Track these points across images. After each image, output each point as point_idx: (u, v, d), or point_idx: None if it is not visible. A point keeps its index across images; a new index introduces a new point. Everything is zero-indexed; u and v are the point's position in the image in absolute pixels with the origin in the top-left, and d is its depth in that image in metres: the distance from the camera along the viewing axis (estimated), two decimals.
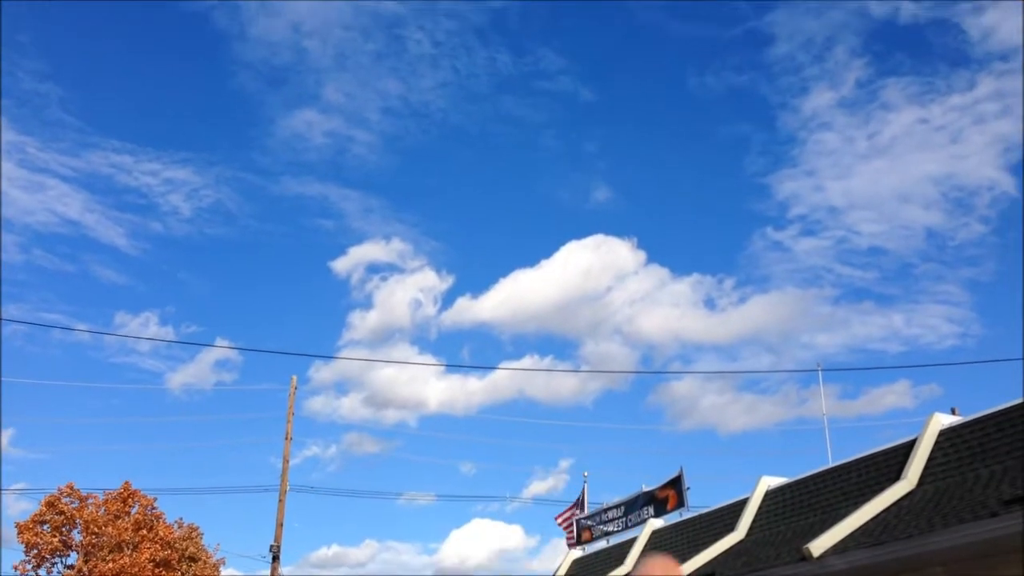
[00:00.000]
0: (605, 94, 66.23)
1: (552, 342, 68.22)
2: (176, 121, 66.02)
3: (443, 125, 66.36)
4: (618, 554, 22.30)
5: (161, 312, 61.93)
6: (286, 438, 31.23)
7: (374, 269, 61.85)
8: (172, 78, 65.02)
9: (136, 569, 30.23)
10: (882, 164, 57.32)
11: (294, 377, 32.16)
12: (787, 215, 59.54)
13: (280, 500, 29.65)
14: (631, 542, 22.31)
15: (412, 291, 60.52)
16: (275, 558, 28.53)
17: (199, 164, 64.22)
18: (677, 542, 20.06)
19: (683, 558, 17.79)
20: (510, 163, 67.63)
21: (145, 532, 31.97)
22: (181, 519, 34.07)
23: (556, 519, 30.12)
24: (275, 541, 28.79)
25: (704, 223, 64.94)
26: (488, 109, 66.92)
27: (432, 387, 60.25)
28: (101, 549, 31.31)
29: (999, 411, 13.14)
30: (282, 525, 29.35)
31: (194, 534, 33.83)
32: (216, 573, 34.30)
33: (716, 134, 64.29)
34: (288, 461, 30.81)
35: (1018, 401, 12.86)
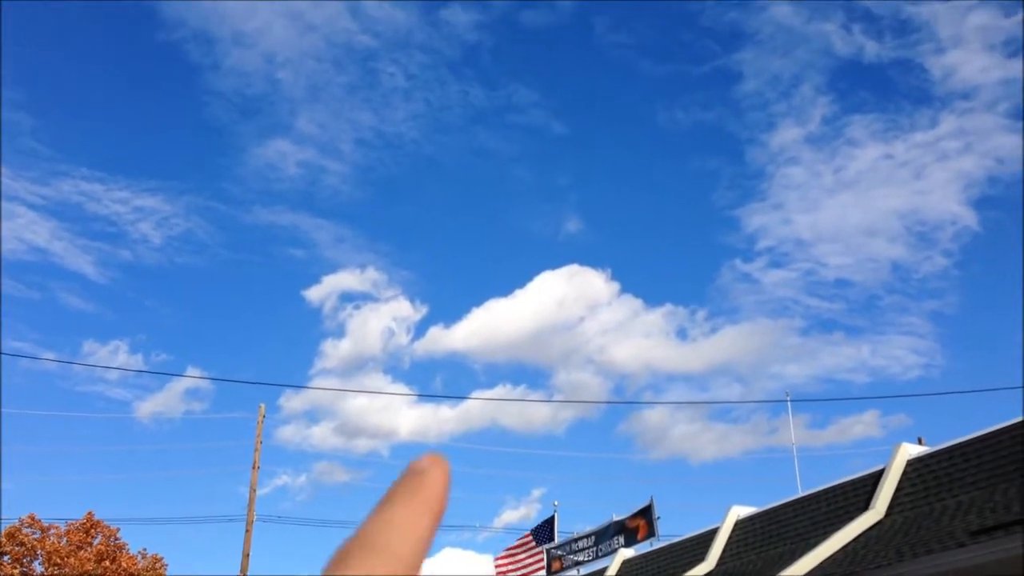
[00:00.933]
0: (577, 128, 67.30)
1: (525, 371, 68.37)
2: (147, 150, 66.04)
3: (416, 156, 67.03)
4: None
5: (131, 340, 61.28)
6: (253, 467, 30.88)
7: (347, 298, 61.88)
8: (144, 107, 65.14)
9: None
10: (848, 198, 58.68)
11: (262, 406, 31.89)
12: (755, 247, 60.56)
13: (247, 530, 29.27)
14: (602, 572, 22.24)
15: (385, 320, 60.48)
16: None
17: (170, 193, 64.22)
18: (647, 572, 20.03)
19: None
20: (483, 194, 68.33)
21: (108, 563, 31.39)
22: (145, 550, 33.53)
23: (496, 560, 29.20)
24: (241, 572, 28.37)
25: (675, 255, 65.85)
26: (461, 141, 67.65)
27: (404, 416, 60.03)
28: None
29: (965, 441, 13.31)
30: (248, 556, 28.96)
31: (158, 565, 33.26)
32: None
33: (686, 168, 65.55)
34: (255, 490, 30.46)
35: (984, 432, 13.04)
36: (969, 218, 55.73)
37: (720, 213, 62.11)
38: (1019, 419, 12.52)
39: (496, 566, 29.11)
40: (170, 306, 64.98)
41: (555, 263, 69.55)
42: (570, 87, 66.83)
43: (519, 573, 28.00)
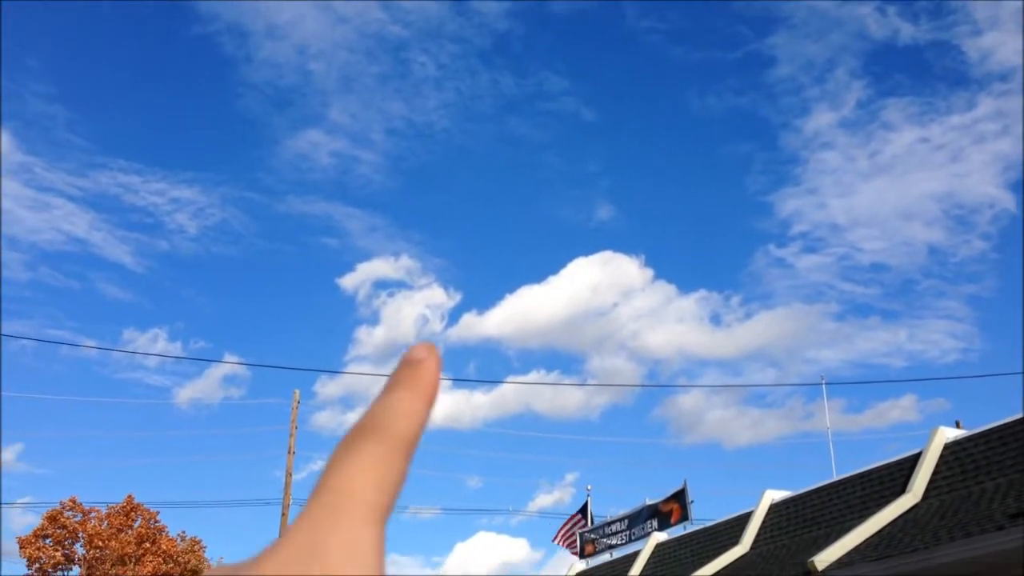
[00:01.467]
0: (607, 115, 66.94)
1: (558, 357, 68.38)
2: (183, 142, 66.74)
3: (447, 145, 67.08)
4: (622, 567, 22.27)
5: (170, 328, 62.17)
6: (289, 451, 31.24)
7: (381, 285, 62.24)
8: (179, 100, 65.79)
9: None
10: (883, 182, 57.88)
11: (296, 391, 32.19)
12: (789, 232, 59.95)
13: (283, 514, 29.64)
14: (635, 555, 22.29)
15: (419, 307, 60.79)
16: None
17: (205, 184, 64.90)
18: (681, 555, 20.05)
19: (687, 571, 17.80)
20: (514, 182, 68.25)
21: (148, 545, 31.94)
22: (184, 532, 34.08)
23: (554, 540, 29.94)
24: None
25: (708, 240, 65.38)
26: (492, 129, 67.56)
27: (438, 402, 60.33)
28: (104, 563, 31.29)
29: (1003, 425, 13.17)
30: None
31: (197, 547, 33.80)
32: None
33: (718, 154, 64.97)
34: (291, 474, 30.82)
35: (1021, 415, 12.89)
36: (1007, 201, 54.87)
37: (753, 199, 61.58)
38: None
39: (557, 541, 29.45)
40: (206, 295, 65.74)
41: (588, 250, 69.46)
42: (601, 74, 66.48)
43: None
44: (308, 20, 62.53)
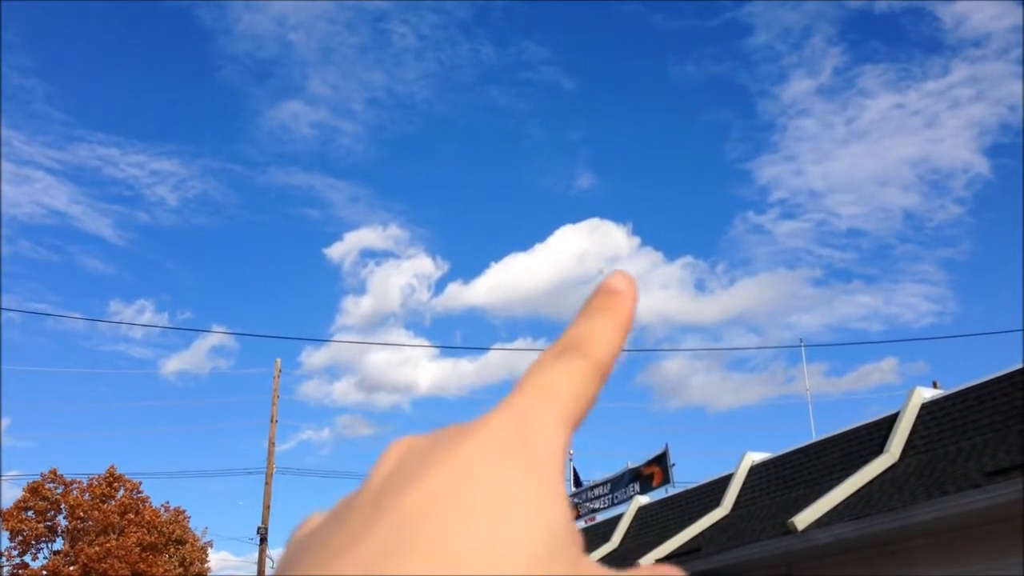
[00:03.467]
0: (587, 83, 66.87)
1: (544, 325, 68.75)
2: (162, 114, 65.99)
3: (428, 115, 66.78)
4: (605, 531, 22.49)
5: (156, 300, 61.89)
6: (271, 420, 31.22)
7: (369, 255, 62.11)
8: (158, 73, 64.96)
9: (122, 552, 30.22)
10: (860, 148, 58.21)
11: (278, 360, 32.13)
12: (768, 199, 60.35)
13: (266, 482, 29.69)
14: (617, 519, 22.50)
15: (406, 277, 60.78)
16: (263, 540, 28.60)
17: (185, 156, 64.32)
18: (663, 518, 20.25)
19: (669, 534, 17.98)
20: (495, 151, 68.11)
21: (131, 516, 31.94)
22: (168, 503, 34.09)
23: None
24: (262, 523, 28.85)
25: (689, 207, 65.68)
26: (473, 99, 67.26)
27: (424, 370, 60.58)
28: (87, 534, 31.28)
29: (979, 384, 13.31)
30: (269, 507, 29.41)
31: (181, 517, 33.83)
32: (203, 556, 34.35)
33: (697, 121, 65.08)
34: (273, 443, 30.84)
35: (997, 374, 13.02)
36: (982, 165, 55.34)
37: (732, 166, 61.83)
38: None
39: None
40: (189, 267, 65.36)
41: (575, 217, 69.50)
42: (580, 43, 66.24)
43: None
44: None
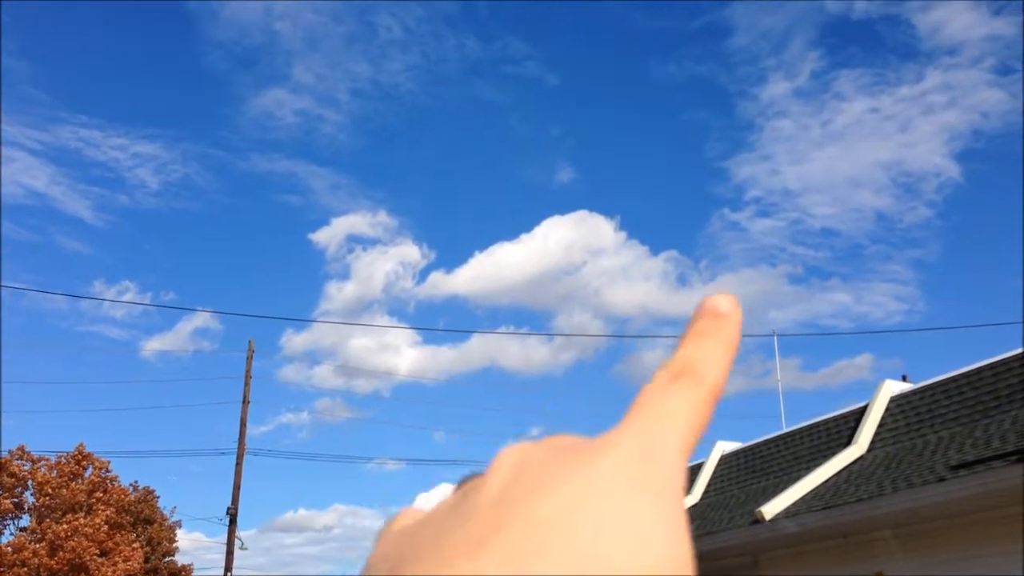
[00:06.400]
0: (570, 79, 67.31)
1: (526, 314, 69.01)
2: (146, 99, 65.54)
3: (412, 107, 66.93)
4: None
5: (139, 282, 61.46)
6: (243, 401, 31.08)
7: (356, 240, 62.03)
8: (143, 57, 64.49)
9: (90, 531, 30.03)
10: (835, 150, 59.04)
11: (251, 340, 31.96)
12: (744, 197, 61.07)
13: (237, 463, 29.59)
14: None
15: (391, 263, 60.71)
16: (232, 520, 28.52)
17: (167, 140, 63.91)
18: None
19: None
20: (479, 144, 68.42)
21: (100, 495, 31.73)
22: (136, 482, 33.89)
23: None
24: (232, 504, 28.76)
25: (672, 203, 66.41)
26: (457, 92, 67.45)
27: (405, 356, 60.56)
28: (54, 511, 31.04)
29: (947, 378, 13.47)
30: (239, 488, 29.31)
31: (149, 497, 33.65)
32: (172, 535, 34.21)
33: (677, 120, 65.80)
34: (245, 424, 30.71)
35: (965, 369, 13.19)
36: (953, 170, 56.19)
37: (710, 164, 62.39)
38: (998, 357, 12.67)
39: None
40: (171, 250, 64.94)
41: (562, 209, 69.78)
42: (564, 39, 66.56)
43: None
44: None
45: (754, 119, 60.38)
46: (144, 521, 32.86)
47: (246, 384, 31.68)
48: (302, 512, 60.22)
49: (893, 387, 14.62)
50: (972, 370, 13.03)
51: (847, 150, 58.60)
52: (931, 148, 56.81)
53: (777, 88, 58.78)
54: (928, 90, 56.03)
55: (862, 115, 57.09)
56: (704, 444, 18.98)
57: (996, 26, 53.71)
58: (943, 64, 56.08)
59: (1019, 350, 12.38)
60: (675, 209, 66.01)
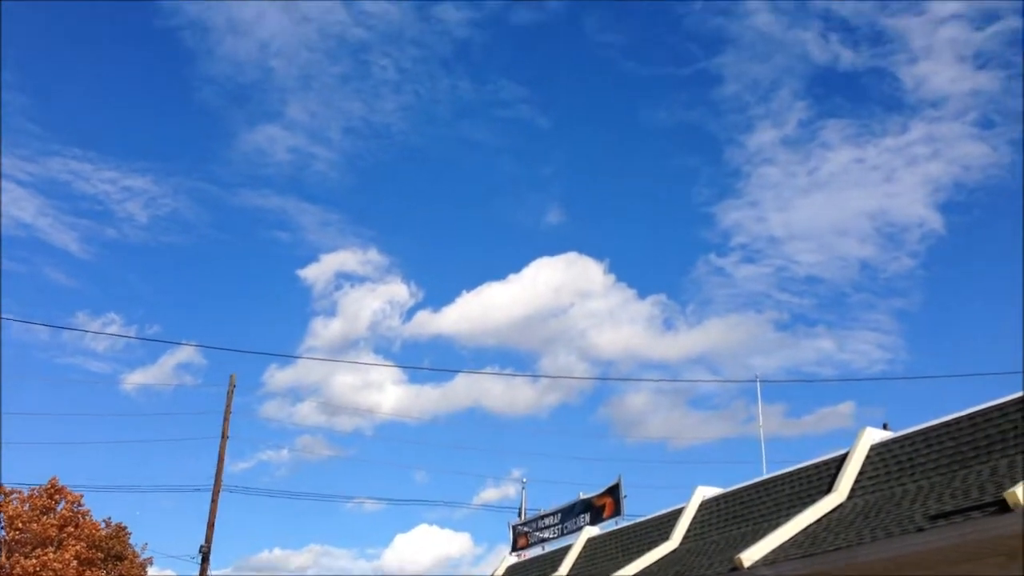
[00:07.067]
0: (561, 123, 68.20)
1: (512, 356, 69.07)
2: (139, 132, 65.97)
3: (404, 146, 67.65)
4: (553, 561, 22.33)
5: (124, 315, 61.21)
6: (222, 436, 30.71)
7: (344, 278, 61.99)
8: (137, 91, 64.97)
9: (60, 566, 29.46)
10: (820, 199, 59.88)
11: (233, 375, 31.67)
12: (730, 243, 61.52)
13: (213, 500, 29.16)
14: (566, 549, 22.36)
15: (379, 301, 60.65)
16: (204, 558, 28.03)
17: (159, 174, 64.12)
18: (612, 550, 20.16)
19: (617, 566, 17.90)
20: (469, 184, 69.02)
21: (71, 529, 31.19)
22: (109, 518, 33.34)
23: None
24: (205, 542, 28.29)
25: (659, 248, 66.91)
26: (448, 133, 68.17)
27: (389, 395, 60.30)
28: (24, 546, 30.47)
29: (927, 428, 13.45)
30: (213, 526, 28.85)
31: (121, 533, 33.10)
32: (142, 572, 33.58)
33: (666, 165, 66.71)
34: (223, 460, 30.30)
35: (944, 419, 13.17)
36: (935, 221, 56.87)
37: (698, 209, 62.91)
38: (977, 407, 12.66)
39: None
40: (157, 283, 64.67)
41: (551, 251, 69.97)
42: (556, 84, 67.42)
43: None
44: (270, 18, 62.15)
45: (741, 166, 61.02)
46: (115, 557, 32.28)
47: (225, 419, 31.33)
48: (277, 552, 59.41)
49: (874, 435, 14.58)
50: (951, 420, 13.01)
51: (832, 199, 59.22)
52: (915, 199, 57.49)
53: (765, 136, 59.50)
54: (912, 142, 56.86)
55: (847, 164, 57.78)
56: (685, 489, 18.85)
57: (980, 81, 54.67)
58: (927, 116, 56.98)
59: (998, 400, 12.37)
60: (663, 253, 66.40)
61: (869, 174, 59.00)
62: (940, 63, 57.61)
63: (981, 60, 56.12)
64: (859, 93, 62.27)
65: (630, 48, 65.16)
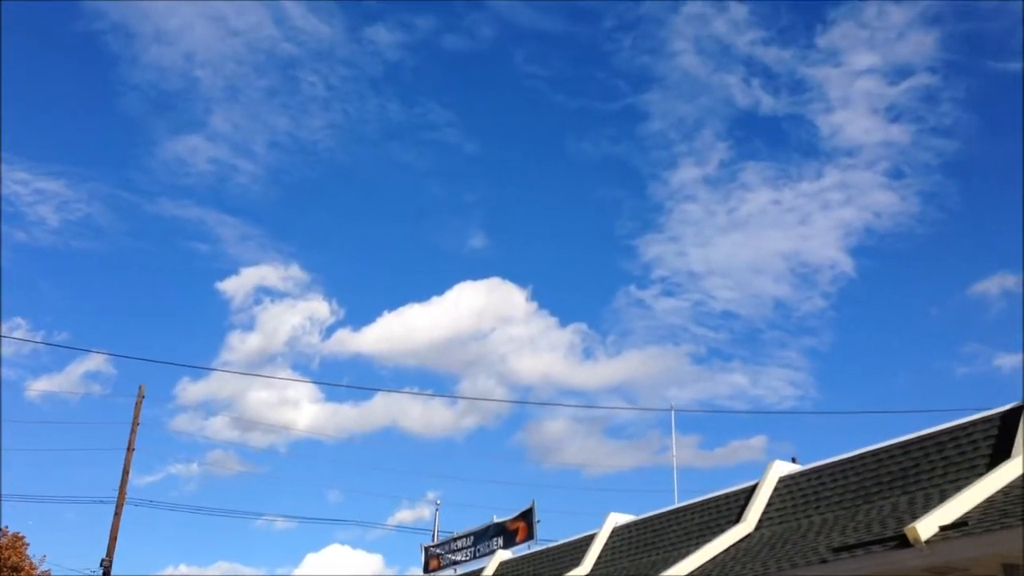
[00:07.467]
0: (488, 149, 68.63)
1: (431, 378, 68.62)
2: (55, 134, 63.63)
3: (330, 164, 67.10)
4: None
5: (31, 320, 58.88)
6: (128, 448, 29.92)
7: (265, 292, 60.84)
8: (54, 92, 62.76)
9: None
10: (739, 237, 61.65)
11: (142, 386, 30.93)
12: (650, 276, 62.79)
13: (116, 513, 28.35)
14: (479, 572, 22.36)
15: (298, 318, 59.73)
16: (106, 573, 27.20)
17: (73, 178, 62.14)
18: (524, 574, 20.25)
19: None
20: (394, 205, 68.84)
21: None
22: (6, 527, 32.09)
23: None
24: (107, 555, 27.47)
25: (581, 277, 67.74)
26: (375, 153, 67.92)
27: (305, 412, 59.30)
28: None
29: (833, 463, 13.92)
30: (116, 539, 28.04)
31: (18, 543, 31.87)
32: None
33: (591, 196, 67.86)
34: (128, 472, 29.52)
35: (849, 454, 13.66)
36: (846, 264, 59.02)
37: (620, 241, 64.00)
38: (881, 444, 13.17)
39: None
40: (65, 288, 62.57)
41: (474, 275, 70.01)
42: (484, 111, 67.95)
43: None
44: (198, 29, 61.22)
45: (664, 201, 62.39)
46: (11, 568, 31.04)
47: (132, 430, 30.53)
48: (183, 568, 57.80)
49: (782, 468, 15.02)
50: (856, 456, 13.50)
51: (750, 238, 60.96)
52: (827, 242, 59.56)
53: (687, 174, 61.06)
54: (827, 187, 59.02)
55: (765, 206, 59.62)
56: (598, 516, 19.06)
57: (892, 133, 57.15)
58: (841, 164, 59.25)
59: (900, 439, 12.90)
60: (585, 282, 67.25)
61: (785, 216, 61.08)
62: (855, 113, 60.16)
63: (893, 113, 58.73)
64: (778, 137, 64.55)
65: (558, 81, 66.25)
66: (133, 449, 30.08)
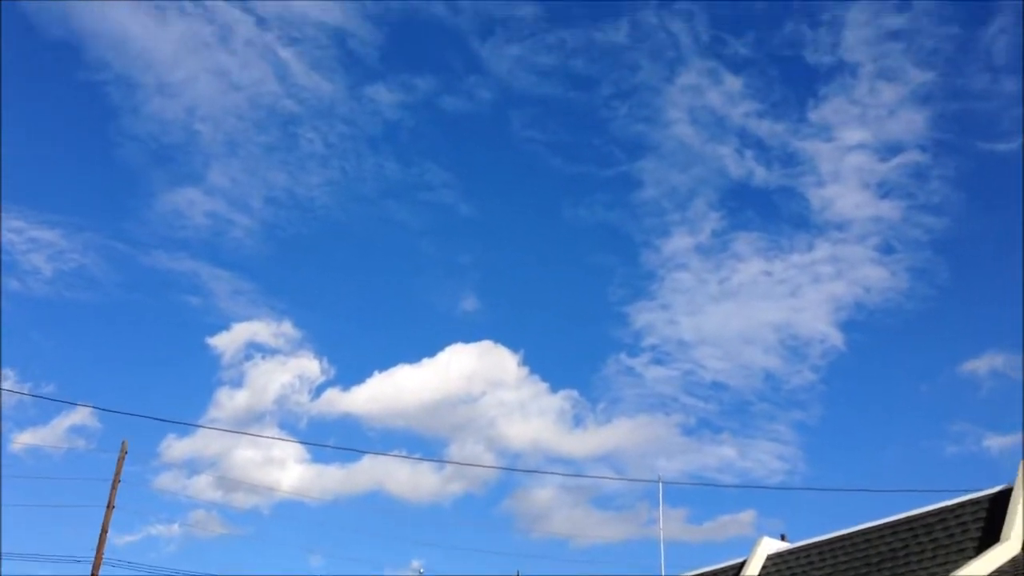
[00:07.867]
0: (483, 211, 69.32)
1: (420, 441, 68.02)
2: (52, 183, 63.93)
3: (326, 221, 67.53)
4: None
5: (19, 370, 58.21)
6: (108, 505, 29.47)
7: (256, 348, 60.54)
8: (54, 141, 63.29)
9: None
10: (730, 307, 61.93)
11: (125, 441, 30.53)
12: (641, 343, 62.97)
13: (92, 574, 27.80)
14: None
15: (287, 376, 59.29)
16: None
17: (68, 228, 62.16)
18: None
19: None
20: (388, 263, 69.20)
21: None
22: None
23: None
24: None
25: (573, 343, 67.86)
26: (371, 211, 68.48)
27: (291, 473, 58.47)
28: None
29: (822, 541, 13.88)
30: None
31: None
32: None
33: (583, 262, 68.27)
34: (107, 531, 29.01)
35: (839, 533, 13.64)
36: (836, 338, 59.32)
37: (612, 308, 64.28)
38: (870, 524, 13.16)
39: None
40: (56, 339, 62.11)
41: (466, 338, 69.94)
42: (482, 173, 68.75)
43: None
44: (201, 82, 61.94)
45: (656, 269, 62.85)
46: None
47: (113, 487, 30.08)
48: None
49: (771, 545, 14.95)
50: (845, 535, 13.47)
51: (741, 307, 61.27)
52: (817, 315, 59.93)
53: (680, 242, 61.65)
54: (817, 260, 59.63)
55: (756, 276, 60.11)
56: None
57: (882, 208, 58.02)
58: (832, 238, 59.94)
59: (889, 519, 12.89)
60: (576, 349, 67.24)
61: (776, 287, 61.47)
62: (846, 188, 61.03)
63: (884, 189, 59.71)
64: (770, 209, 65.36)
65: (555, 145, 67.16)
66: (113, 507, 29.61)
